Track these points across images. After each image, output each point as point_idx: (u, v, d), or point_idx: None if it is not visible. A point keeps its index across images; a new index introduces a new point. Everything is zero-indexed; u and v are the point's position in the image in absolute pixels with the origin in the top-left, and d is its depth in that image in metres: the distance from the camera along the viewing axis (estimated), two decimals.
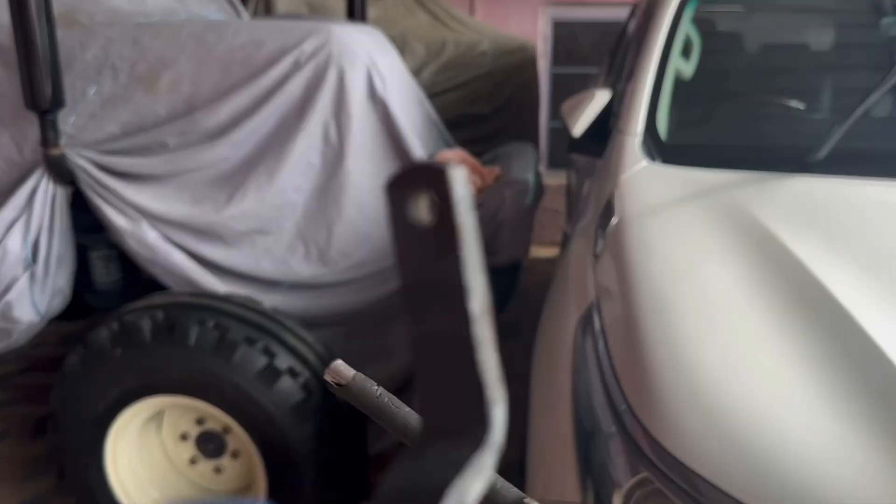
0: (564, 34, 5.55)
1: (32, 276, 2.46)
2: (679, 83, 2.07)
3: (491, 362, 0.23)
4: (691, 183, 1.65)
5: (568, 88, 5.57)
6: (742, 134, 1.95)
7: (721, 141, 1.93)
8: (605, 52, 5.08)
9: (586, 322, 1.32)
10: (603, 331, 1.25)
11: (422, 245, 0.23)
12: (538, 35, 5.34)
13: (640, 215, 1.49)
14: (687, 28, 2.19)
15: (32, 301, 2.51)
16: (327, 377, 0.40)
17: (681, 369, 1.05)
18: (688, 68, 2.17)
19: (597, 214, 1.69)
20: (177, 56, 2.45)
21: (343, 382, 0.40)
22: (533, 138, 4.20)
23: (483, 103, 4.09)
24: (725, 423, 0.96)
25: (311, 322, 2.40)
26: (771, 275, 1.24)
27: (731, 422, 0.96)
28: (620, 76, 2.92)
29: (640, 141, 1.86)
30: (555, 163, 5.43)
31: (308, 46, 2.39)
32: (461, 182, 0.22)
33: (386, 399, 0.40)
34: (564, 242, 3.75)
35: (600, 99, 2.05)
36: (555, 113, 5.56)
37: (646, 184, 1.67)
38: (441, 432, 0.24)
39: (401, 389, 2.42)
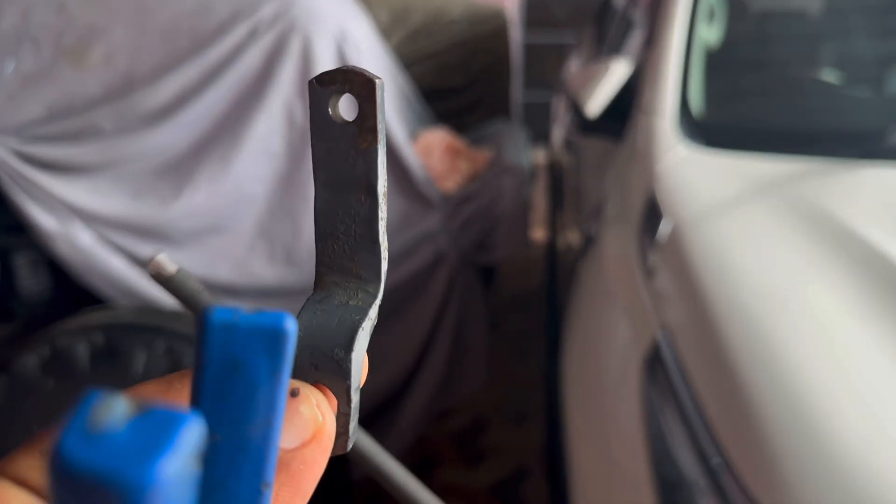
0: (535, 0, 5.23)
1: None
2: (707, 52, 1.78)
3: (384, 232, 0.30)
4: (747, 173, 1.37)
5: (541, 58, 5.25)
6: (790, 111, 1.67)
7: (767, 120, 1.65)
8: (580, 19, 4.78)
9: (654, 361, 1.03)
10: (682, 372, 0.96)
11: (340, 138, 0.28)
12: (506, 0, 5.00)
13: (700, 220, 1.19)
14: None
15: None
16: (150, 271, 0.34)
17: (801, 425, 0.80)
18: (713, 34, 1.87)
19: (632, 214, 1.39)
20: (110, 24, 2.08)
21: (167, 274, 0.35)
22: (508, 112, 3.90)
23: (455, 76, 3.76)
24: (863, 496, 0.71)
25: None
26: (884, 296, 0.97)
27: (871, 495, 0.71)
28: (617, 46, 2.62)
29: (673, 121, 1.56)
30: (529, 137, 5.14)
31: (266, 12, 2.03)
32: (382, 88, 0.28)
33: (208, 296, 0.37)
34: (554, 234, 3.47)
35: (617, 71, 1.74)
36: (528, 84, 5.24)
37: (693, 176, 1.38)
38: (336, 284, 0.30)
39: (390, 403, 2.12)
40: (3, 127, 2.05)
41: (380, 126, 0.28)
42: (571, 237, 2.03)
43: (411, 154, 2.11)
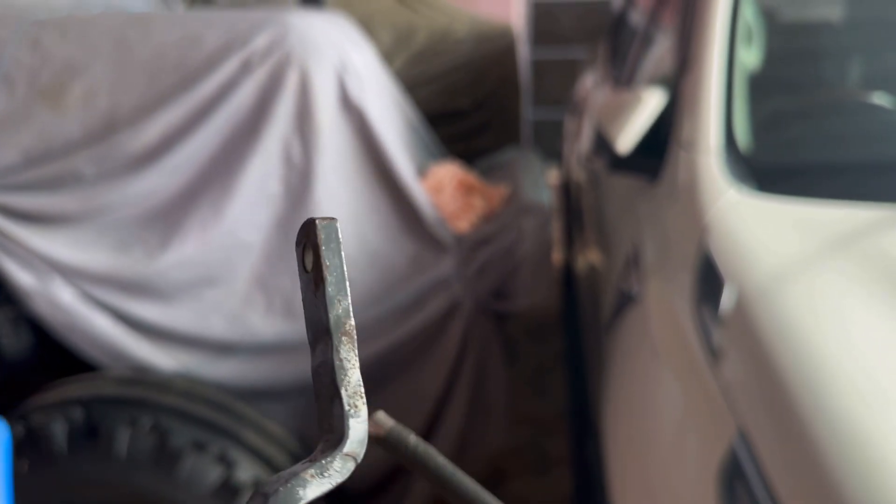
0: (543, 14, 5.05)
1: None
2: (750, 78, 1.60)
3: (352, 381, 0.29)
4: (813, 224, 1.18)
5: (550, 75, 5.07)
6: (850, 144, 1.48)
7: (824, 156, 1.46)
8: (588, 34, 4.60)
9: (732, 475, 0.84)
10: (771, 494, 0.78)
11: (307, 288, 0.30)
12: (512, 16, 4.85)
13: (770, 287, 1.00)
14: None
15: None
16: (370, 429, 0.33)
17: None
18: (752, 56, 1.69)
19: (682, 272, 1.21)
20: (89, 61, 1.91)
21: (381, 434, 0.37)
22: (516, 135, 3.72)
23: (463, 97, 3.59)
24: None
25: (278, 395, 1.89)
26: None
27: None
28: (636, 64, 2.44)
29: (719, 160, 1.37)
30: (540, 156, 4.96)
31: (260, 43, 1.86)
32: (329, 230, 0.29)
33: (422, 449, 0.38)
34: (570, 258, 3.27)
35: (651, 102, 1.56)
36: (537, 101, 5.06)
37: (752, 228, 1.19)
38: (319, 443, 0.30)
39: (399, 470, 1.93)
40: None
41: (326, 263, 0.29)
42: (599, 283, 1.85)
43: (420, 192, 1.93)
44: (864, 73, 1.77)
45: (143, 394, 1.60)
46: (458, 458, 1.93)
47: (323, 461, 0.28)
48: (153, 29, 1.94)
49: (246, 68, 1.86)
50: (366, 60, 2.03)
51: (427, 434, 1.91)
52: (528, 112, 4.94)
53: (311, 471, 0.28)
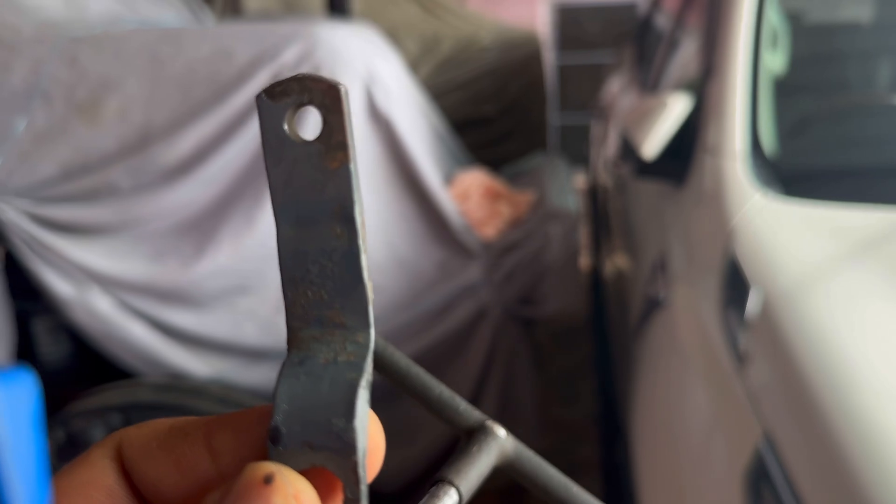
0: (568, 19, 5.06)
1: None
2: (775, 82, 1.60)
3: (367, 268, 0.25)
4: (839, 228, 1.18)
5: (576, 80, 5.08)
6: (878, 147, 1.48)
7: (850, 159, 1.46)
8: (614, 39, 4.60)
9: (758, 479, 0.85)
10: (797, 498, 0.78)
11: (302, 160, 0.24)
12: (536, 21, 4.86)
13: (796, 291, 1.01)
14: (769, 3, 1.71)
15: None
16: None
17: None
18: (777, 60, 1.69)
19: (708, 277, 1.21)
20: (124, 76, 1.96)
21: None
22: (543, 140, 3.73)
23: (488, 105, 3.62)
24: None
25: None
26: None
27: None
28: (663, 68, 2.45)
29: (745, 164, 1.38)
30: (567, 161, 4.96)
31: (289, 56, 1.90)
32: (347, 95, 0.23)
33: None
34: (597, 261, 3.27)
35: (676, 107, 1.57)
36: (563, 106, 5.07)
37: (778, 232, 1.20)
38: (316, 340, 0.25)
39: (421, 479, 1.94)
40: (15, 188, 1.94)
41: (350, 140, 0.24)
42: (627, 289, 1.85)
43: (447, 199, 1.95)
44: (892, 76, 1.76)
45: (178, 400, 1.64)
46: None
47: (366, 366, 0.25)
48: (185, 44, 1.98)
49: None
50: (392, 71, 2.06)
51: (455, 441, 1.92)
52: (554, 117, 4.95)
53: (363, 382, 0.24)
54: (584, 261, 4.01)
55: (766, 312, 0.99)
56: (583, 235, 3.25)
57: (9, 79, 1.98)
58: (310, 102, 0.24)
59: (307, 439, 0.24)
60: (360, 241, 0.24)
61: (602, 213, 3.04)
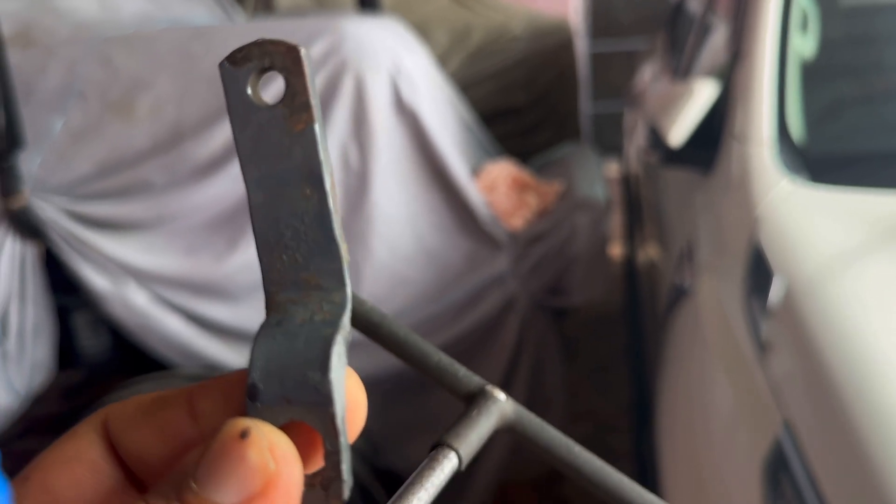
0: (601, 6, 5.00)
1: (5, 354, 2.04)
2: (803, 67, 1.57)
3: (340, 227, 0.25)
4: (866, 214, 1.16)
5: (609, 67, 5.03)
6: None
7: (880, 145, 1.43)
8: (648, 25, 4.54)
9: (777, 468, 0.84)
10: (814, 486, 0.78)
11: (267, 124, 0.24)
12: (570, 9, 4.82)
13: (820, 278, 1.00)
14: None
15: (7, 381, 2.09)
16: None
17: None
18: (807, 45, 1.66)
19: (733, 264, 1.20)
20: (156, 74, 2.00)
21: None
22: (575, 130, 3.70)
23: (518, 94, 3.60)
24: None
25: None
26: None
27: None
28: (695, 54, 2.41)
29: (772, 151, 1.36)
30: (599, 149, 4.92)
31: (317, 50, 1.92)
32: (308, 57, 0.23)
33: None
34: (632, 250, 3.25)
35: (703, 93, 1.55)
36: (595, 95, 5.02)
37: (804, 219, 1.18)
38: (293, 302, 0.25)
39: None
40: (53, 186, 1.99)
41: (314, 101, 0.24)
42: (657, 278, 1.84)
43: (474, 191, 1.95)
44: None
45: None
46: (516, 454, 1.96)
47: (342, 322, 0.25)
48: (215, 41, 2.01)
49: None
50: (419, 64, 2.07)
51: None
52: (587, 106, 4.91)
53: (339, 337, 0.24)
54: (620, 250, 3.98)
55: (789, 300, 0.98)
56: (615, 225, 3.23)
57: (46, 80, 2.04)
58: (271, 67, 0.24)
59: (285, 394, 0.24)
60: (331, 202, 0.25)
61: (635, 203, 3.01)
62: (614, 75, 4.93)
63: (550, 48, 3.70)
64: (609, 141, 4.58)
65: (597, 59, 5.07)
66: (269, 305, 0.26)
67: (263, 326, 0.25)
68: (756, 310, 1.05)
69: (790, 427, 0.85)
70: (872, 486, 0.73)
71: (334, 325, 0.25)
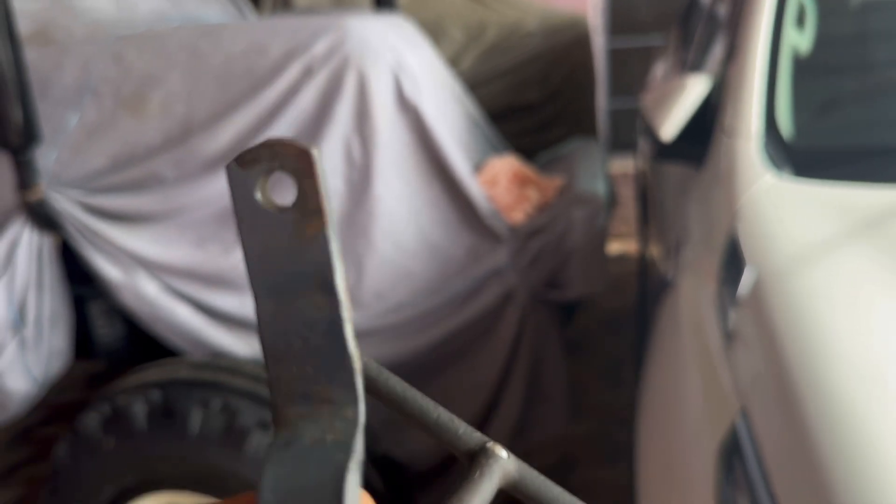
0: (620, 2, 5.00)
1: (23, 342, 2.11)
2: (797, 62, 1.58)
3: (353, 338, 0.24)
4: (844, 208, 1.17)
5: (628, 64, 5.02)
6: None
7: (868, 142, 1.43)
8: (667, 21, 4.53)
9: (731, 453, 0.87)
10: (763, 473, 0.80)
11: (277, 228, 0.23)
12: (587, 5, 4.82)
13: (787, 270, 1.01)
14: None
15: (26, 368, 2.16)
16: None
17: None
18: (803, 40, 1.66)
19: (712, 257, 1.22)
20: (166, 71, 2.06)
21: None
22: (591, 126, 3.71)
23: (532, 91, 3.61)
24: None
25: None
26: None
27: None
28: (702, 51, 2.42)
29: (758, 145, 1.37)
30: (617, 146, 4.91)
31: (320, 48, 1.96)
32: (320, 159, 0.22)
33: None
34: (645, 247, 3.26)
35: (695, 88, 1.56)
36: (614, 91, 5.02)
37: (781, 212, 1.20)
38: (302, 417, 0.24)
39: (446, 464, 1.99)
40: (68, 179, 2.06)
41: (326, 205, 0.23)
42: (655, 270, 1.86)
43: (475, 185, 1.98)
44: None
45: (214, 377, 1.73)
46: (516, 446, 1.99)
47: (355, 445, 0.24)
48: (223, 39, 2.07)
49: (308, 73, 1.97)
50: (421, 60, 2.10)
51: (483, 421, 1.97)
52: (605, 102, 4.91)
53: (352, 464, 0.23)
54: (633, 246, 3.98)
55: (756, 291, 1.01)
56: (614, 220, 3.24)
57: (61, 77, 2.10)
58: (281, 168, 0.23)
59: None
60: (343, 311, 0.23)
61: (645, 198, 3.02)
62: (632, 72, 4.92)
63: (565, 44, 3.70)
64: (627, 137, 4.58)
65: (615, 56, 5.07)
66: (278, 421, 0.25)
67: (272, 448, 0.24)
68: (727, 300, 1.07)
69: (746, 414, 0.87)
70: (817, 476, 0.75)
71: (347, 449, 0.24)
